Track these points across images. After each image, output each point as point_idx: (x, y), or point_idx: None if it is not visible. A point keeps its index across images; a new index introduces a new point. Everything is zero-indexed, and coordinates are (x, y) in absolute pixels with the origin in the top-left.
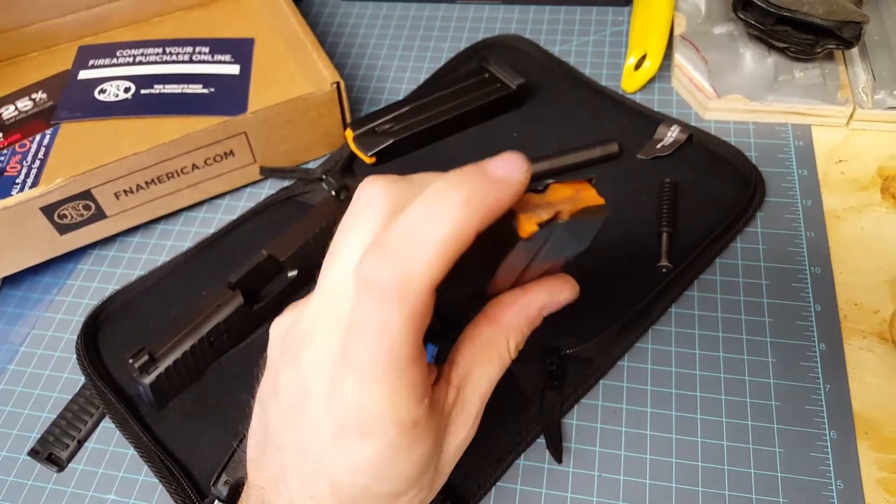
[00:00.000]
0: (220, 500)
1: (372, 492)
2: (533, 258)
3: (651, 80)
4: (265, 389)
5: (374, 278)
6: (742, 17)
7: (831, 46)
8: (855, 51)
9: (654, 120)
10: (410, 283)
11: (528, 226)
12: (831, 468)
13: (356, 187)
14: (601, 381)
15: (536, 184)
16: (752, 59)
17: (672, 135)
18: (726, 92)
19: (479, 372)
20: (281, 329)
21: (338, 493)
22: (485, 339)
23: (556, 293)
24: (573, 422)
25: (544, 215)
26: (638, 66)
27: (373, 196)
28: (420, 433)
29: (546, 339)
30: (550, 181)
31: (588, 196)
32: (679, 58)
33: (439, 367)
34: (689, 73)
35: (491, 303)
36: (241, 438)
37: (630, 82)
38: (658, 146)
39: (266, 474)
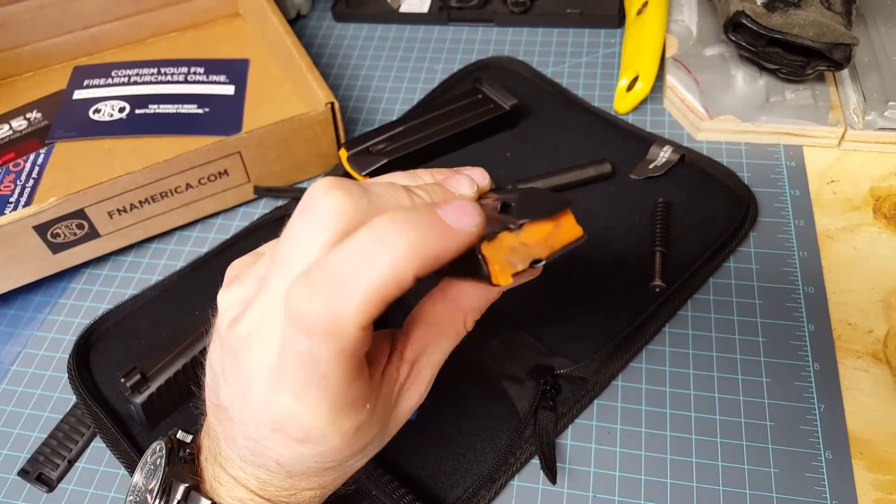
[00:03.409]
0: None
1: (318, 468)
2: None
3: (643, 102)
4: (214, 359)
5: (302, 313)
6: (733, 38)
7: (822, 68)
8: (845, 72)
9: (647, 140)
10: (338, 324)
11: (502, 278)
12: (826, 489)
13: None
14: (595, 401)
15: (510, 222)
16: (744, 81)
17: (664, 155)
18: (718, 113)
19: (435, 348)
20: (227, 305)
21: (284, 467)
22: (443, 319)
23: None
24: (567, 442)
25: (520, 265)
26: (630, 87)
27: (325, 209)
28: (364, 431)
29: (540, 358)
30: (525, 221)
31: (566, 229)
32: (671, 79)
33: (393, 334)
34: (680, 94)
35: (449, 280)
36: None
37: (622, 103)
38: (650, 166)
39: (220, 429)
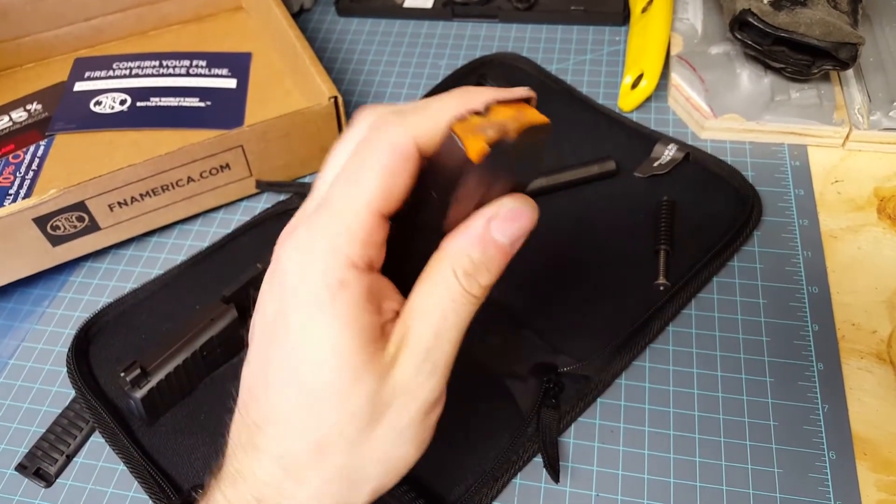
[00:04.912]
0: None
1: (324, 429)
2: (487, 188)
3: (648, 100)
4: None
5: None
6: (739, 37)
7: (828, 67)
8: (850, 72)
9: (651, 138)
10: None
11: (477, 145)
12: (830, 489)
13: None
14: (599, 400)
15: (477, 106)
16: (749, 80)
17: (669, 153)
18: (723, 111)
19: (427, 304)
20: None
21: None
22: (431, 271)
23: (502, 208)
24: (570, 440)
25: (492, 133)
26: (635, 85)
27: (366, 116)
28: (368, 364)
29: (543, 356)
30: (492, 102)
31: (531, 114)
32: (676, 77)
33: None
34: (685, 92)
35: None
36: None
37: (627, 101)
38: (655, 164)
39: (238, 426)
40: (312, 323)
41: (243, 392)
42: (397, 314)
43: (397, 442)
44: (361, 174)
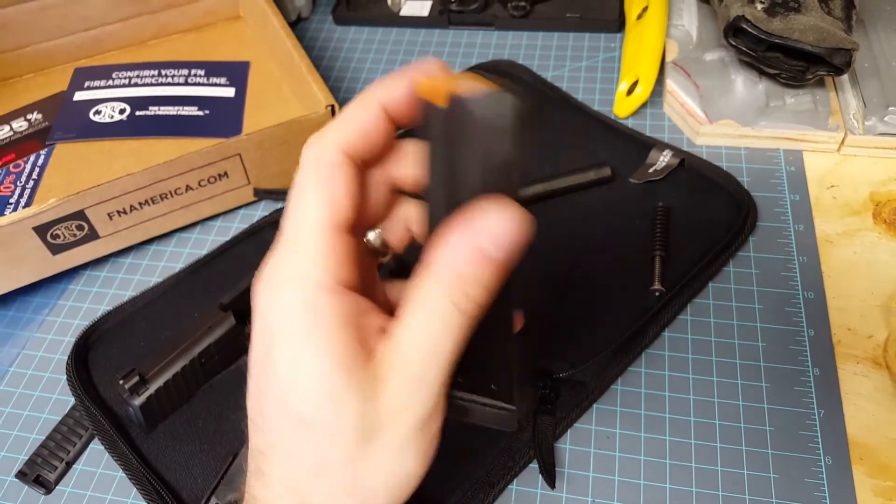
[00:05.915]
0: None
1: (322, 448)
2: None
3: (643, 106)
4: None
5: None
6: (733, 43)
7: (822, 73)
8: (845, 77)
9: (647, 144)
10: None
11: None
12: (826, 494)
13: None
14: (594, 406)
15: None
16: (744, 85)
17: (664, 159)
18: (718, 117)
19: (416, 326)
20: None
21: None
22: (418, 290)
23: (486, 217)
24: (566, 446)
25: (461, 88)
26: (630, 91)
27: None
28: (353, 379)
29: (539, 362)
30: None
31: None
32: (671, 83)
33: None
34: (680, 98)
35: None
36: (230, 462)
37: (622, 107)
38: (650, 170)
39: (256, 450)
40: (292, 353)
41: (248, 421)
42: (383, 329)
43: (398, 458)
44: (301, 198)
